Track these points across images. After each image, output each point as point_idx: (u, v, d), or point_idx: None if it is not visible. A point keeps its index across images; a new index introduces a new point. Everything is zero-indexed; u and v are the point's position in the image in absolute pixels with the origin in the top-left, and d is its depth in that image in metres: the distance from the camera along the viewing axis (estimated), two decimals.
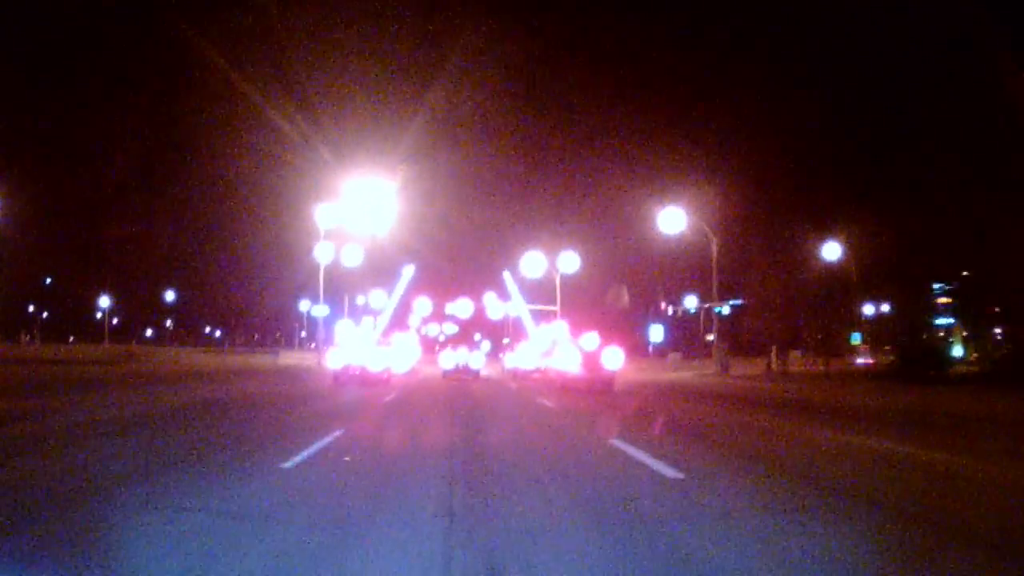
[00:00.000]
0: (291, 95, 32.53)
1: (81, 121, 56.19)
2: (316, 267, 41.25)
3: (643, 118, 66.80)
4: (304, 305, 62.32)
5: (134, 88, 57.74)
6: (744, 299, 40.85)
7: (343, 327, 27.02)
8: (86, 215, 59.40)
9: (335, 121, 39.24)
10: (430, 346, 70.72)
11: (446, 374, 30.28)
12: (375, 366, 22.08)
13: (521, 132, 73.54)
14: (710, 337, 43.58)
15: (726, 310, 44.90)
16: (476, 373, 30.47)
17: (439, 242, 51.63)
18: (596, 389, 19.98)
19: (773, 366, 36.93)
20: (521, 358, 32.91)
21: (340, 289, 47.49)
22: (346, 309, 47.01)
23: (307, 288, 40.57)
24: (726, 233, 38.42)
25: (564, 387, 21.33)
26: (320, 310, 40.77)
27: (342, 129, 38.40)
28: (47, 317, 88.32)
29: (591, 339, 21.11)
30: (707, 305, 40.67)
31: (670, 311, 54.31)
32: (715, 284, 37.65)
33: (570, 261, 50.78)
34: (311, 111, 35.40)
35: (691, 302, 51.44)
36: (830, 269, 41.06)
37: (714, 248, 37.59)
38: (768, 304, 40.20)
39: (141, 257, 60.21)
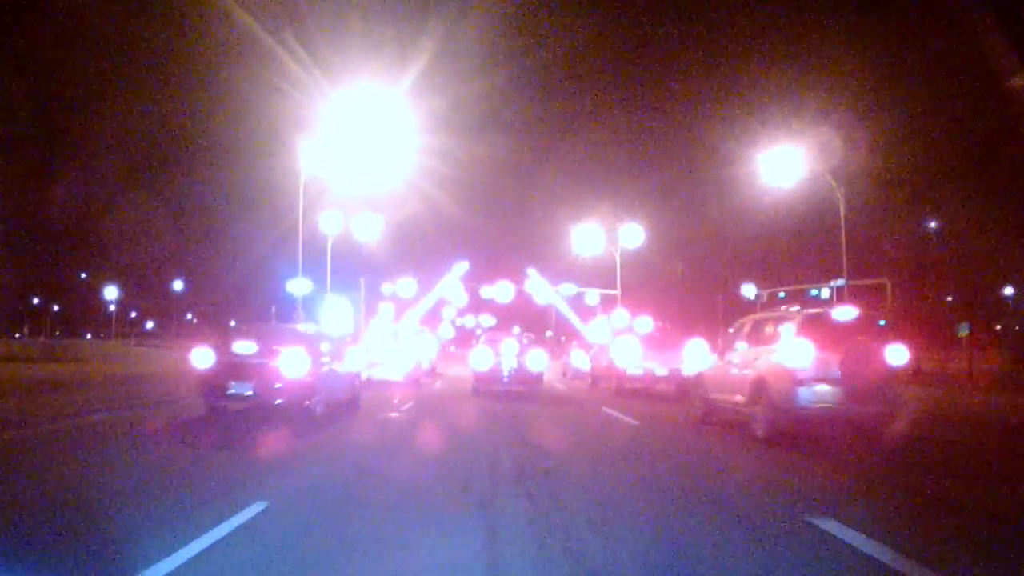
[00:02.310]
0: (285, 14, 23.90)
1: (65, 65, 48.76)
2: (325, 245, 32.46)
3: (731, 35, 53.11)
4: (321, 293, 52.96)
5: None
6: (878, 276, 30.55)
7: (329, 306, 17.74)
8: (81, 203, 52.63)
9: (331, 46, 30.22)
10: (467, 341, 61.59)
11: (480, 383, 18.60)
12: (292, 370, 10.36)
13: (572, 57, 58.79)
14: None
15: (825, 293, 34.99)
16: (537, 379, 18.69)
17: (469, 203, 42.46)
18: (872, 433, 9.20)
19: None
20: (621, 355, 19.36)
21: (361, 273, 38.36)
22: (363, 294, 37.86)
23: (318, 273, 30.91)
24: (851, 191, 28.24)
25: (775, 429, 9.49)
26: (298, 285, 27.17)
27: (341, 53, 29.12)
28: (59, 309, 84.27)
29: (849, 318, 9.92)
30: (830, 285, 30.49)
31: (754, 295, 44.16)
32: (844, 254, 27.51)
33: (633, 234, 41.19)
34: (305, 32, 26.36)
35: (749, 287, 41.25)
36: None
37: (841, 205, 27.48)
38: (907, 284, 30.07)
39: (145, 247, 53.55)
